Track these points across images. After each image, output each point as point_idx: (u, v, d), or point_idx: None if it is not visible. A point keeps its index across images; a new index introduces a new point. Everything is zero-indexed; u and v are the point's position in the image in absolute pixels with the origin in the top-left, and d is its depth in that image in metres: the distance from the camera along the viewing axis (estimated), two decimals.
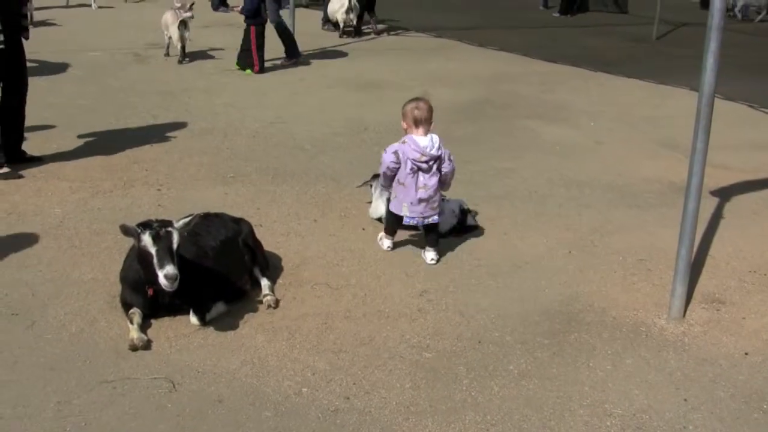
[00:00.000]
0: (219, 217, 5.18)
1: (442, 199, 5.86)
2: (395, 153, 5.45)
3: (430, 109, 5.48)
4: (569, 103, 10.54)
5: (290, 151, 8.10)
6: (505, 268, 5.58)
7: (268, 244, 5.58)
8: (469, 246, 5.97)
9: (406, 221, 5.58)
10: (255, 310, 4.88)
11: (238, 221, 5.21)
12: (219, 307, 4.76)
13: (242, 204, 6.51)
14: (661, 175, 7.70)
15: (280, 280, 5.26)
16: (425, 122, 5.43)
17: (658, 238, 6.12)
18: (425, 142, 5.41)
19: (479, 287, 5.31)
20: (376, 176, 6.12)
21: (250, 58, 11.53)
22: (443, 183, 5.59)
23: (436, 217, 5.62)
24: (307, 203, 6.69)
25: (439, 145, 5.45)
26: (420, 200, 5.50)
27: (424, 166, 5.42)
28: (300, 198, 6.76)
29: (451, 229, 6.04)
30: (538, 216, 6.60)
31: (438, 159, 5.45)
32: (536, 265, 5.65)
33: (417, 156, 5.40)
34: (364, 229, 6.22)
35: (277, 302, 4.95)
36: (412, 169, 5.44)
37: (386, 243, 5.74)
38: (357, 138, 8.66)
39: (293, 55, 12.14)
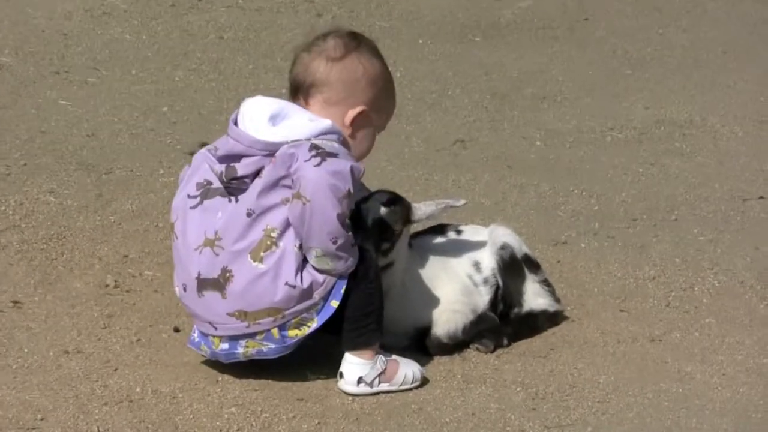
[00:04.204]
0: None
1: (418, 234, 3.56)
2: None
3: (332, 64, 3.30)
4: None
5: None
6: None
7: None
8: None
9: (190, 343, 3.41)
10: None
11: None
12: None
13: None
14: None
15: None
16: (304, 90, 3.30)
17: None
18: (255, 113, 3.22)
19: None
20: None
21: None
22: (295, 223, 3.12)
23: (272, 347, 3.14)
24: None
25: (299, 137, 3.15)
26: (201, 282, 3.14)
27: (218, 168, 3.20)
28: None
29: (489, 335, 3.44)
30: (722, 294, 4.04)
31: (270, 157, 3.16)
32: None
33: (210, 154, 3.31)
34: (177, 329, 3.65)
35: None
36: (199, 186, 3.25)
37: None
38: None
39: None
